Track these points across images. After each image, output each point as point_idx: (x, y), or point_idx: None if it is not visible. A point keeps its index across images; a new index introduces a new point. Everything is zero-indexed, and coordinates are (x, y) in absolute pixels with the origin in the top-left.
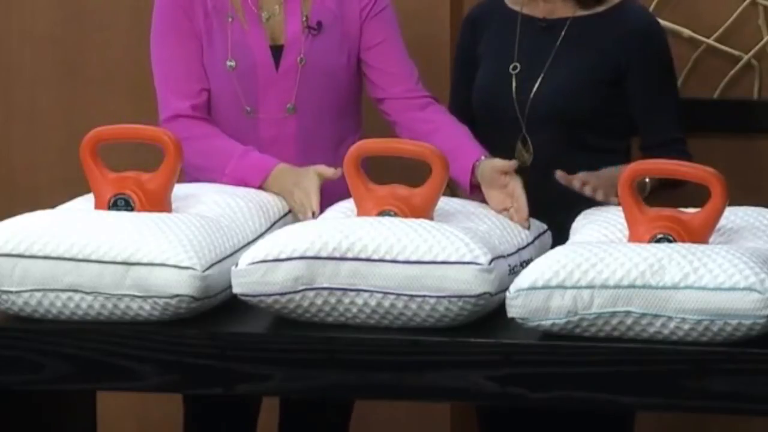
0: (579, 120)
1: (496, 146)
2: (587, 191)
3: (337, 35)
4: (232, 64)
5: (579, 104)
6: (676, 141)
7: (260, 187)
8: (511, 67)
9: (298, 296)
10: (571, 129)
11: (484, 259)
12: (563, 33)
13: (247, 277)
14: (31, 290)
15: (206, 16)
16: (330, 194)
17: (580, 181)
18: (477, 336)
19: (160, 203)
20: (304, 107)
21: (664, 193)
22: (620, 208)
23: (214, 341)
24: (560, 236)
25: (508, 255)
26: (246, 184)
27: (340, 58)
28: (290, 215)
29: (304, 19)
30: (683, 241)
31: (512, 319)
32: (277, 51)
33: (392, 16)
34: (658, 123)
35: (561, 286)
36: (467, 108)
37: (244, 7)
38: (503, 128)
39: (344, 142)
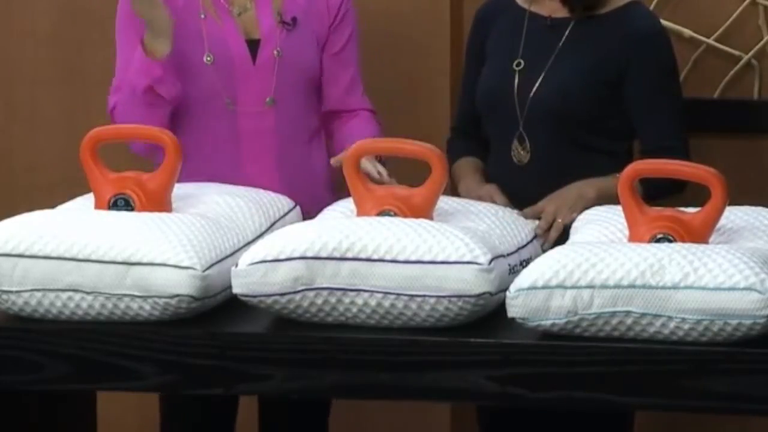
0: (577, 120)
1: (497, 143)
2: (552, 234)
3: (309, 31)
4: (210, 58)
5: (578, 104)
6: (672, 148)
7: (149, 52)
8: (515, 63)
9: (298, 296)
10: (569, 129)
11: (483, 259)
12: (567, 32)
13: (247, 278)
14: (31, 290)
15: (176, 15)
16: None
17: (540, 228)
18: (477, 336)
19: (160, 203)
20: (283, 100)
21: (665, 198)
22: (620, 207)
23: (214, 341)
24: (560, 236)
25: (508, 254)
26: (145, 66)
27: (314, 53)
28: (290, 215)
29: (276, 14)
30: (683, 241)
31: (512, 319)
32: (253, 45)
33: (355, 18)
34: (655, 128)
35: (561, 286)
36: (475, 105)
37: (214, 4)
38: (503, 125)
39: (316, 136)
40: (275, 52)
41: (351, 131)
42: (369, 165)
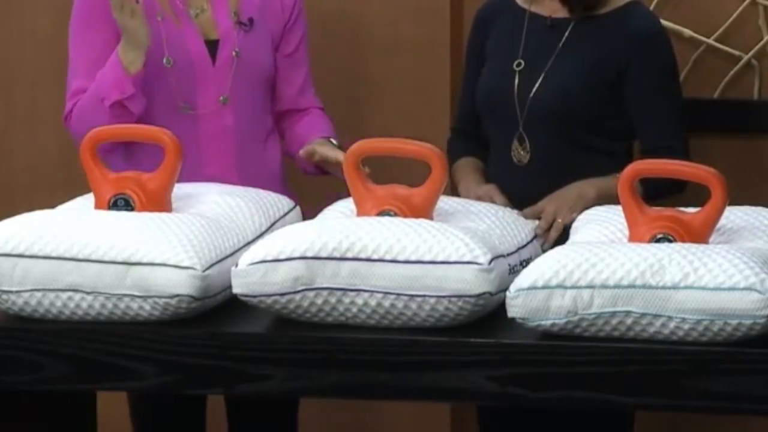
0: (577, 120)
1: (497, 143)
2: (552, 234)
3: (265, 31)
4: (169, 60)
5: (578, 104)
6: (672, 148)
7: (124, 67)
8: (515, 64)
9: (298, 296)
10: (569, 129)
11: (483, 259)
12: (567, 33)
13: (247, 278)
14: (31, 290)
15: None
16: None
17: (540, 228)
18: (477, 336)
19: (160, 203)
20: (239, 100)
21: (665, 198)
22: (620, 207)
23: (214, 341)
24: (560, 236)
25: (508, 254)
26: (117, 81)
27: (270, 53)
28: (290, 215)
29: (233, 15)
30: (683, 241)
31: (512, 319)
32: (211, 45)
33: (305, 18)
34: (655, 128)
35: (561, 286)
36: (475, 106)
37: (171, 6)
38: (503, 125)
39: (272, 134)
40: (234, 53)
41: (305, 129)
42: (328, 150)
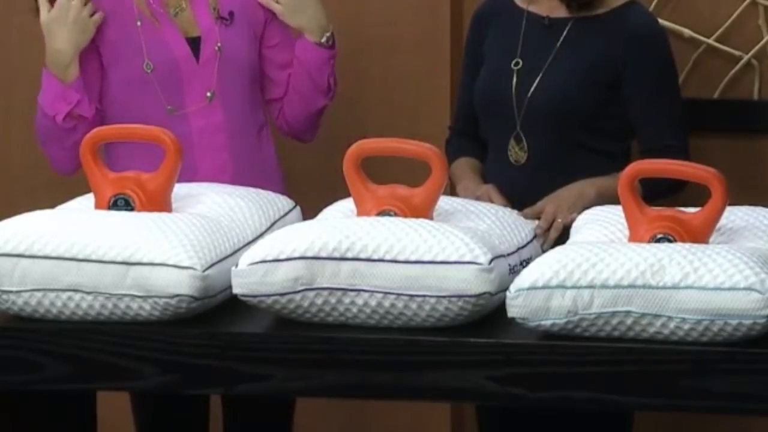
0: (575, 120)
1: (494, 143)
2: (552, 233)
3: (246, 25)
4: (150, 64)
5: (575, 104)
6: (672, 148)
7: (60, 80)
8: (513, 63)
9: (298, 296)
10: (566, 129)
11: (484, 259)
12: (565, 32)
13: (247, 278)
14: (31, 290)
15: (108, 29)
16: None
17: (540, 228)
18: (477, 336)
19: (160, 203)
20: (227, 95)
21: (665, 198)
22: (620, 207)
23: (214, 341)
24: (560, 236)
25: (508, 254)
26: (58, 94)
27: (253, 47)
28: (290, 215)
29: (213, 10)
30: (683, 241)
31: (512, 319)
32: (194, 43)
33: None
34: (654, 128)
35: (561, 286)
36: (473, 105)
37: (149, 8)
38: (500, 124)
39: (263, 129)
40: (217, 48)
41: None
42: None
